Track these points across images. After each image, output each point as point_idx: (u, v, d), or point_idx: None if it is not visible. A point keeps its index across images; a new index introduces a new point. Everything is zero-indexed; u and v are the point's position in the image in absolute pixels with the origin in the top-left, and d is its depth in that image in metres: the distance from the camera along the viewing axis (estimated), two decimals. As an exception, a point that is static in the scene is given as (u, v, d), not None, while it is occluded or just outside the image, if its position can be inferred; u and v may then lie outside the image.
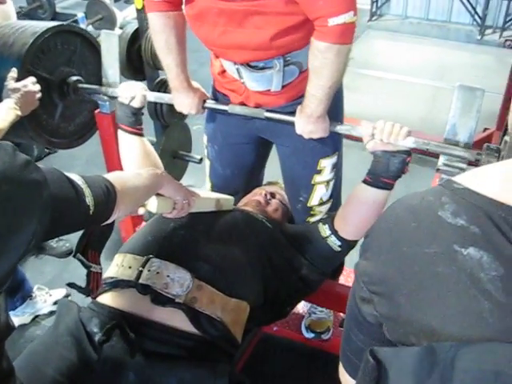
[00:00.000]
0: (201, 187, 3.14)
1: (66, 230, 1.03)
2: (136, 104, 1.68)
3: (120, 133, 1.71)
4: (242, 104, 1.67)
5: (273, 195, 1.90)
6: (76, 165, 3.49)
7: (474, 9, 5.83)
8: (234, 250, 1.50)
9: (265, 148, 1.87)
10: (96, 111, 1.93)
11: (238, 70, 1.56)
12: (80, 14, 4.57)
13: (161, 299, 1.33)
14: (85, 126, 2.10)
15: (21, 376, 1.02)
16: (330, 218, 1.62)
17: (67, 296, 2.35)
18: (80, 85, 1.90)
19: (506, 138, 1.24)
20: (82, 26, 4.60)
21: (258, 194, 1.90)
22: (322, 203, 1.77)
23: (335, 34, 1.33)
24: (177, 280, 1.35)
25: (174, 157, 2.86)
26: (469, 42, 5.74)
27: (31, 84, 1.65)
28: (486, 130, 3.45)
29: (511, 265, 0.55)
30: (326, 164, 1.69)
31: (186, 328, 1.32)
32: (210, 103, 1.72)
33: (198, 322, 1.33)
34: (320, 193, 1.75)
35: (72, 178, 0.99)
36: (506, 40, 3.13)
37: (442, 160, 1.43)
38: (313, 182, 1.72)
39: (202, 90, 1.74)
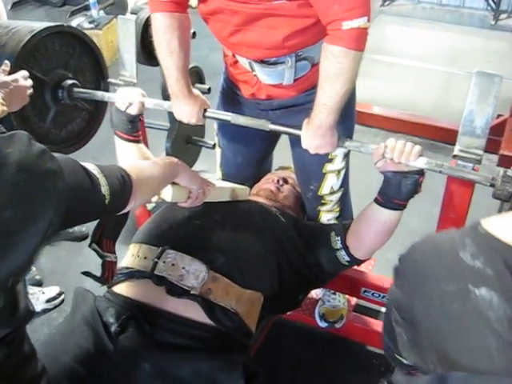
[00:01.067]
0: (214, 173, 3.16)
1: (82, 219, 1.05)
2: (133, 111, 1.61)
3: (116, 139, 1.66)
4: (254, 96, 1.66)
5: (285, 180, 1.91)
6: (89, 149, 3.51)
7: (489, -7, 5.76)
8: (249, 241, 1.51)
9: (275, 135, 1.88)
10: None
11: (250, 63, 1.56)
12: (92, -1, 4.56)
13: (176, 290, 1.35)
14: (78, 134, 1.99)
15: None
16: (343, 230, 1.60)
17: (60, 294, 2.35)
18: (76, 89, 1.81)
19: None
20: (94, 11, 4.60)
21: (269, 181, 1.90)
22: (332, 192, 1.77)
23: (349, 38, 1.30)
24: (192, 272, 1.37)
25: (188, 142, 2.86)
26: (482, 27, 5.67)
27: (22, 78, 1.53)
28: (499, 116, 3.42)
29: None
30: (338, 153, 1.69)
31: (200, 319, 1.34)
32: (211, 112, 1.66)
33: (212, 313, 1.34)
34: (331, 182, 1.75)
35: (87, 167, 1.00)
36: (521, 25, 3.10)
37: (458, 147, 1.42)
38: (324, 171, 1.72)
39: (202, 97, 1.69)
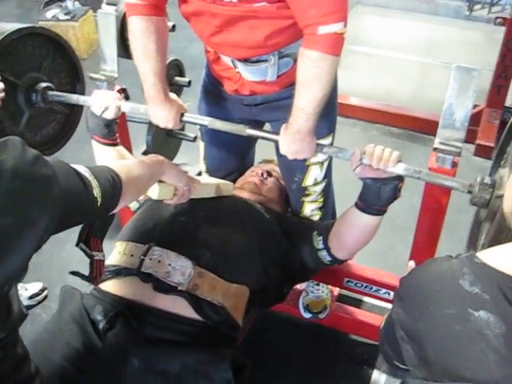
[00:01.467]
0: (194, 166, 3.15)
1: (75, 222, 1.05)
2: (109, 116, 1.57)
3: (94, 143, 1.64)
4: (237, 92, 1.66)
5: (269, 173, 1.92)
6: (64, 151, 3.47)
7: (463, -16, 5.82)
8: (234, 236, 1.52)
9: (259, 127, 1.88)
10: (94, 91, 1.92)
11: (232, 61, 1.56)
12: (67, -10, 4.48)
13: (163, 287, 1.36)
14: (53, 137, 1.93)
15: None
16: (325, 231, 1.61)
17: (43, 289, 2.32)
18: (50, 92, 1.75)
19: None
20: (69, 2, 4.53)
21: (253, 174, 1.92)
22: (316, 183, 1.79)
23: (325, 42, 1.30)
24: (178, 268, 1.38)
25: (168, 135, 2.86)
26: (457, 17, 5.74)
27: None
28: (475, 106, 3.49)
29: (511, 323, 0.71)
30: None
31: (188, 314, 1.35)
32: (189, 116, 1.63)
33: (200, 308, 1.36)
34: (315, 173, 1.76)
35: (79, 170, 1.00)
36: (497, 17, 3.14)
37: (438, 139, 1.46)
38: (307, 164, 1.73)
39: (179, 101, 1.66)
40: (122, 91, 1.95)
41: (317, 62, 1.32)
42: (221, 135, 1.84)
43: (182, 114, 1.62)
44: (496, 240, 1.04)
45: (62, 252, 2.46)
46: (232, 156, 1.94)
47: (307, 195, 1.83)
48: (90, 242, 1.23)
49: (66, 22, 4.50)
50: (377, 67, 4.56)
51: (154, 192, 1.33)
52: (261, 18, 1.38)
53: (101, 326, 1.29)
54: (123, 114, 1.95)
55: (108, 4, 4.23)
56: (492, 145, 3.24)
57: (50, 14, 4.58)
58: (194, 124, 1.69)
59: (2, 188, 0.78)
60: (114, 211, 1.14)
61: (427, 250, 1.64)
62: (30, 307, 2.27)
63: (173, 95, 1.65)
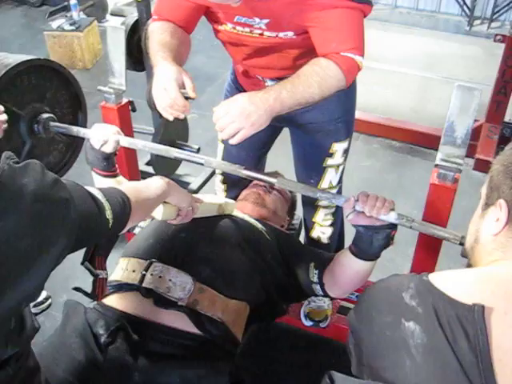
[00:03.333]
0: (197, 176, 3.19)
1: (88, 243, 1.08)
2: (108, 149, 1.58)
3: (94, 175, 1.65)
4: None
5: (271, 186, 1.94)
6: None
7: (463, -1, 5.89)
8: (234, 253, 1.53)
9: (277, 130, 1.92)
10: (102, 103, 1.95)
11: (262, 78, 1.62)
12: (73, 1, 4.52)
13: (164, 302, 1.37)
14: (54, 166, 1.96)
15: None
16: (323, 265, 1.61)
17: (47, 298, 2.35)
18: (51, 123, 1.78)
19: None
20: (75, 12, 4.58)
21: (257, 186, 1.94)
22: (331, 187, 1.82)
23: (344, 62, 1.37)
24: (178, 284, 1.39)
25: (172, 146, 2.89)
26: (457, 32, 5.80)
27: None
28: (475, 121, 3.52)
29: (433, 337, 0.78)
30: (338, 148, 1.75)
31: (188, 329, 1.36)
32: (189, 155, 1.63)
33: (200, 323, 1.37)
34: (330, 176, 1.79)
35: (93, 192, 1.02)
36: (497, 35, 3.19)
37: (440, 156, 1.49)
38: (324, 165, 1.77)
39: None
40: (130, 103, 1.99)
41: (329, 67, 1.38)
42: None
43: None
44: None
45: (67, 261, 2.46)
46: (250, 157, 1.97)
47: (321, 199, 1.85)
48: (95, 260, 1.25)
49: (71, 33, 4.54)
50: (378, 81, 4.60)
51: (158, 213, 1.35)
52: (289, 46, 1.46)
53: (102, 339, 1.30)
54: (129, 123, 1.98)
55: (112, 15, 4.27)
56: (491, 159, 3.24)
57: (55, 24, 4.63)
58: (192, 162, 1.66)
59: (24, 211, 0.80)
60: (122, 232, 1.16)
61: (427, 266, 1.67)
62: (34, 315, 2.29)
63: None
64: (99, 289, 1.28)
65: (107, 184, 1.62)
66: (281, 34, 1.43)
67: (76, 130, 1.75)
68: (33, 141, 1.81)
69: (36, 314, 2.29)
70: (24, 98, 1.76)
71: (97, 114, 1.99)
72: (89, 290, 1.31)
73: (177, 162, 3.14)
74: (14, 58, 1.68)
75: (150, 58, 1.49)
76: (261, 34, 1.45)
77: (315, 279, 1.60)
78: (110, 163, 1.62)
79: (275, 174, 2.08)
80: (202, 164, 1.60)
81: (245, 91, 1.76)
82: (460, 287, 0.83)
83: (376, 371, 0.83)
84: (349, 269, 1.53)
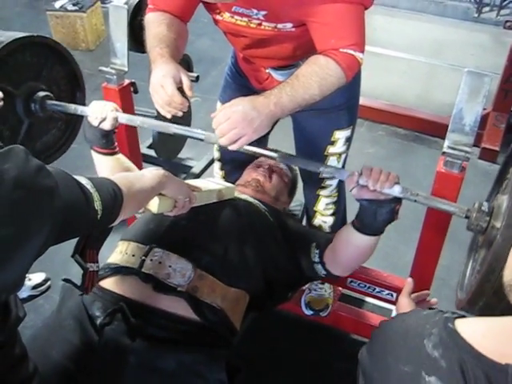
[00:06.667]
0: (199, 160, 3.16)
1: (75, 234, 1.04)
2: (106, 126, 1.55)
3: (93, 154, 1.62)
4: (263, 89, 1.63)
5: (272, 170, 1.92)
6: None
7: (472, -14, 5.81)
8: (235, 241, 1.52)
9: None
10: (103, 85, 1.92)
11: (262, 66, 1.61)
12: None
13: (163, 288, 1.36)
14: (53, 144, 1.92)
15: None
16: (324, 245, 1.60)
17: (47, 280, 2.35)
18: (48, 101, 1.74)
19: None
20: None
21: (257, 170, 1.91)
22: (332, 177, 1.79)
23: (344, 58, 1.34)
24: (178, 270, 1.38)
25: (174, 130, 2.87)
26: (465, 19, 5.73)
27: None
28: (483, 110, 3.49)
29: None
30: (340, 136, 1.72)
31: (187, 315, 1.35)
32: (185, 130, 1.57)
33: (199, 309, 1.36)
34: (332, 164, 1.76)
35: (81, 181, 0.98)
36: (507, 21, 3.13)
37: (447, 143, 1.46)
38: (325, 153, 1.74)
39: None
40: (132, 85, 1.96)
41: (328, 66, 1.35)
42: None
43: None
44: (487, 278, 1.02)
45: (66, 244, 2.45)
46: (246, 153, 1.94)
47: (323, 188, 1.83)
48: (86, 253, 1.22)
49: (73, 13, 4.49)
50: (384, 67, 4.55)
51: (153, 205, 1.31)
52: (288, 37, 1.43)
53: (98, 321, 1.29)
54: (130, 105, 1.95)
55: (113, -3, 4.19)
56: (497, 149, 3.24)
57: (58, 4, 4.57)
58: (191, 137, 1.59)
59: (4, 198, 0.76)
60: (114, 224, 1.13)
61: (429, 259, 1.65)
62: (32, 297, 2.28)
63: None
64: (89, 282, 1.25)
65: (107, 163, 1.61)
66: (279, 25, 1.40)
67: (74, 107, 1.72)
68: (30, 120, 1.77)
69: (35, 296, 2.29)
70: (19, 77, 1.70)
71: (99, 95, 1.95)
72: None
73: (179, 145, 3.12)
74: (7, 36, 1.63)
75: (148, 49, 1.46)
76: (259, 25, 1.41)
77: (316, 259, 1.60)
78: (109, 141, 1.59)
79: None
80: (201, 140, 1.53)
81: (245, 76, 1.74)
82: (491, 341, 0.71)
83: None
84: (351, 244, 1.51)
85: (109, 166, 1.61)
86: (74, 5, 4.50)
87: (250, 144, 1.36)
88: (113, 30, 1.84)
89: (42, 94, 1.74)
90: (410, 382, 0.73)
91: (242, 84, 1.79)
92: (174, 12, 1.50)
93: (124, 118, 1.60)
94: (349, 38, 1.35)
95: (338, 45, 1.34)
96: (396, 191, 1.33)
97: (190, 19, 1.55)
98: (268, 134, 2.00)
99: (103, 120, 1.53)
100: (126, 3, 2.52)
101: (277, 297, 1.69)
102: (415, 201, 1.33)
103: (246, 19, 1.42)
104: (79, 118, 1.92)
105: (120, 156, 1.65)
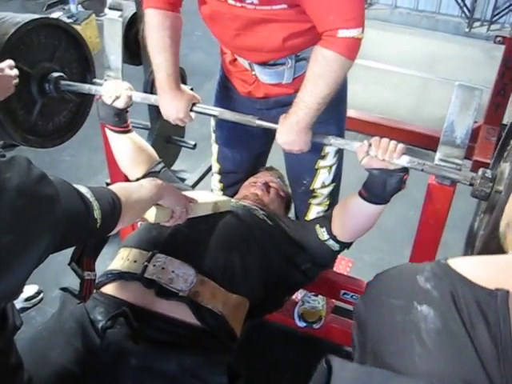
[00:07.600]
0: (193, 173, 3.17)
1: (74, 243, 1.05)
2: (120, 105, 1.64)
3: (108, 132, 1.67)
4: (250, 94, 1.68)
5: (268, 185, 1.93)
6: (66, 147, 3.48)
7: (463, 0, 5.86)
8: (235, 249, 1.53)
9: (273, 132, 1.90)
10: (96, 97, 1.92)
11: (250, 64, 1.59)
12: (71, -6, 4.50)
13: (165, 293, 1.37)
14: (64, 126, 2.00)
15: (25, 361, 1.04)
16: (327, 221, 1.65)
17: (39, 292, 2.34)
18: (62, 82, 1.81)
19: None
20: (73, 5, 4.55)
21: (255, 185, 1.92)
22: (324, 186, 1.82)
23: (343, 45, 1.35)
24: (181, 275, 1.39)
25: (168, 142, 2.87)
26: (457, 34, 5.79)
27: (8, 68, 1.54)
28: (474, 123, 3.51)
29: (448, 322, 0.70)
30: (330, 150, 1.73)
31: (188, 320, 1.36)
32: (199, 107, 1.66)
33: (200, 314, 1.37)
34: (323, 177, 1.79)
35: (81, 190, 1.00)
36: (497, 36, 3.17)
37: (438, 156, 1.47)
38: (316, 167, 1.76)
39: (190, 92, 1.69)
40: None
41: (330, 61, 1.37)
42: (235, 138, 1.86)
43: (193, 105, 1.65)
44: (493, 234, 1.06)
45: (59, 256, 2.43)
46: (245, 159, 1.96)
47: (314, 197, 1.85)
48: (83, 261, 1.23)
49: (68, 26, 4.51)
50: (376, 81, 4.59)
51: (151, 215, 1.33)
52: (280, 22, 1.42)
53: (100, 324, 1.29)
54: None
55: (111, 9, 4.24)
56: (489, 161, 3.25)
57: (53, 16, 4.59)
58: (205, 114, 1.70)
59: (6, 206, 0.77)
60: (112, 233, 1.14)
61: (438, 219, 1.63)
62: (25, 309, 2.27)
63: (184, 87, 1.68)
64: (86, 290, 1.26)
65: (121, 142, 1.68)
66: (275, 7, 1.39)
67: (88, 87, 1.80)
68: (44, 100, 1.84)
69: (27, 308, 2.27)
70: (34, 57, 1.78)
71: (93, 108, 1.96)
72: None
73: (173, 157, 3.12)
74: (23, 17, 1.71)
75: (150, 54, 1.60)
76: (252, 2, 1.40)
77: (325, 236, 1.63)
78: (121, 119, 1.68)
79: (271, 169, 2.07)
80: (216, 116, 1.65)
81: (234, 87, 1.74)
82: (482, 271, 0.74)
83: (380, 356, 0.75)
84: (358, 214, 1.56)
85: (123, 145, 1.68)
86: (68, 17, 4.52)
87: (262, 120, 1.57)
88: (107, 42, 1.86)
89: (56, 74, 1.82)
90: (401, 314, 0.75)
91: (231, 98, 1.79)
92: (167, 5, 1.56)
93: (138, 97, 1.69)
94: (347, 12, 1.33)
95: (337, 22, 1.33)
96: (404, 161, 1.40)
97: (181, 4, 1.61)
98: (264, 151, 2.02)
99: (117, 98, 1.63)
100: (120, 16, 2.54)
101: (274, 302, 1.70)
102: (422, 170, 1.42)
103: (239, 4, 1.41)
104: (89, 101, 2.01)
105: (134, 135, 1.71)
